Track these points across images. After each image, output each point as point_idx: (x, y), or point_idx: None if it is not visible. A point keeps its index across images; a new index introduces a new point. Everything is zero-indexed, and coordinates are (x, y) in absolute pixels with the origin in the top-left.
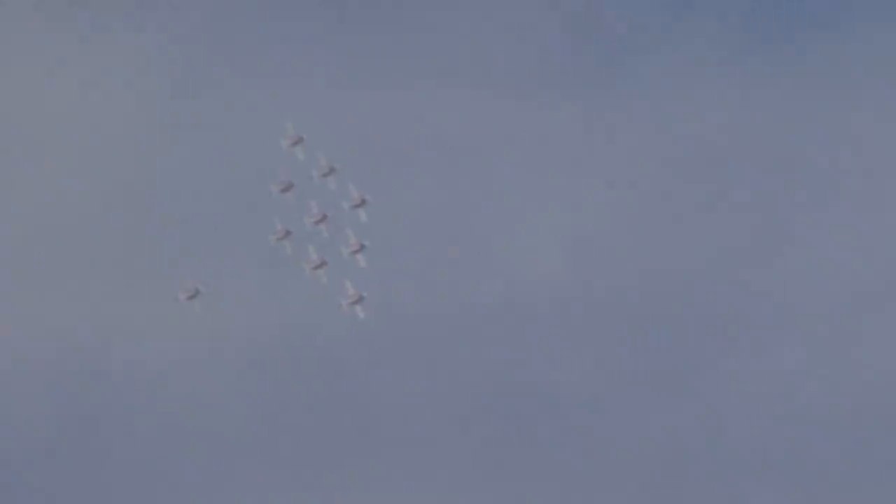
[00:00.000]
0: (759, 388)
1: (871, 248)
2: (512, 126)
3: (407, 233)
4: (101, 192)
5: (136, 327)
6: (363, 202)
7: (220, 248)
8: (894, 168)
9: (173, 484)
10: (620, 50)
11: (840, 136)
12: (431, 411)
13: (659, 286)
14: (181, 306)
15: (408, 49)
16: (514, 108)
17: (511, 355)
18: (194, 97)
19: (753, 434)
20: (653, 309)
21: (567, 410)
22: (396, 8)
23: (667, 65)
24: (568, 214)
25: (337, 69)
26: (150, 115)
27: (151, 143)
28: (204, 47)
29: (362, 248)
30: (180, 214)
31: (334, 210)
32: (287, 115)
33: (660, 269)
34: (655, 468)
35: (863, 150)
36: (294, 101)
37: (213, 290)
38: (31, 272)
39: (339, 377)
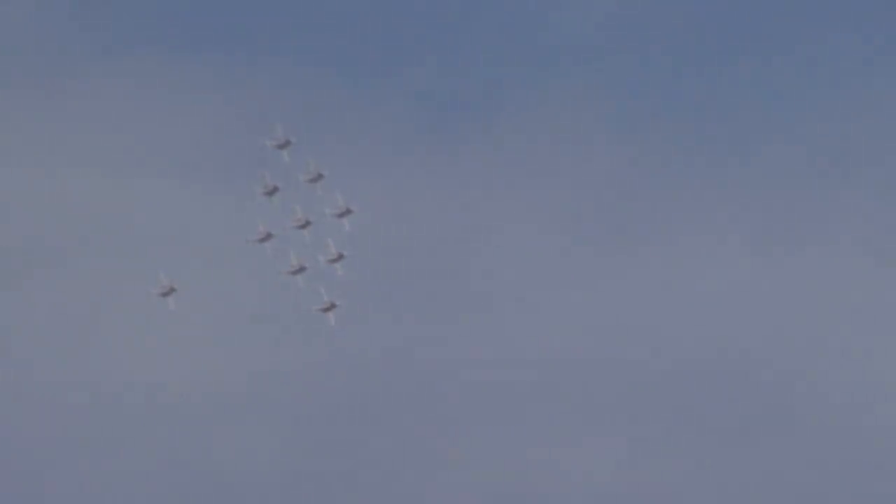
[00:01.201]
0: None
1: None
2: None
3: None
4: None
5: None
6: (348, 211)
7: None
8: (544, 263)
9: None
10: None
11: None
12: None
13: (306, 380)
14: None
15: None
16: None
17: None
18: None
19: None
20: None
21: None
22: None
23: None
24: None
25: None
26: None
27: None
28: None
29: (341, 257)
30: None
31: (318, 216)
32: None
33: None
34: None
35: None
36: None
37: (188, 287)
38: None
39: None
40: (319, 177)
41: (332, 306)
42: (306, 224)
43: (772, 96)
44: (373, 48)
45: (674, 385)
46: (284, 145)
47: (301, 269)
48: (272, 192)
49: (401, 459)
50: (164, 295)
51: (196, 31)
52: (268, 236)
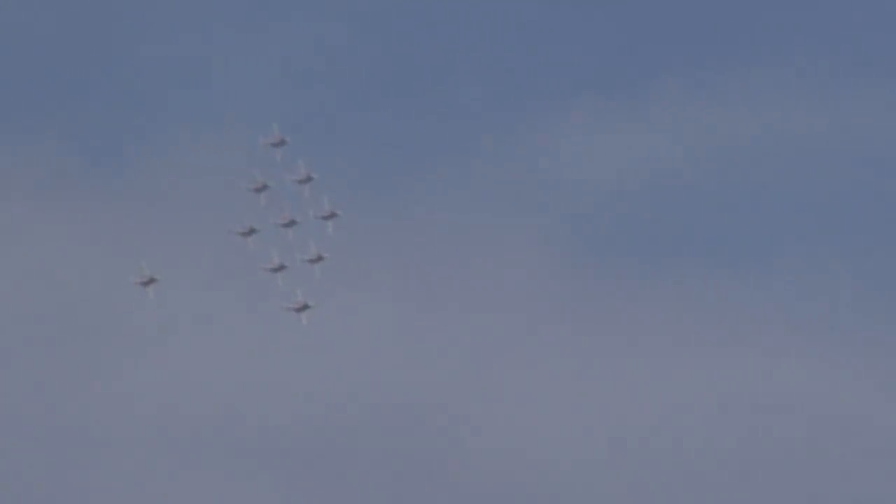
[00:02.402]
0: None
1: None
2: None
3: None
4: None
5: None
6: (333, 215)
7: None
8: None
9: None
10: None
11: None
12: None
13: None
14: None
15: None
16: None
17: None
18: None
19: None
20: None
21: None
22: None
23: None
24: None
25: None
26: None
27: None
28: None
29: (320, 258)
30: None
31: (303, 217)
32: None
33: None
34: None
35: None
36: None
37: (168, 277)
38: None
39: None
40: (308, 178)
41: (305, 307)
42: (291, 223)
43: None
44: None
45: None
46: (279, 144)
47: (281, 267)
48: (261, 189)
49: None
50: (145, 284)
51: None
52: (251, 231)
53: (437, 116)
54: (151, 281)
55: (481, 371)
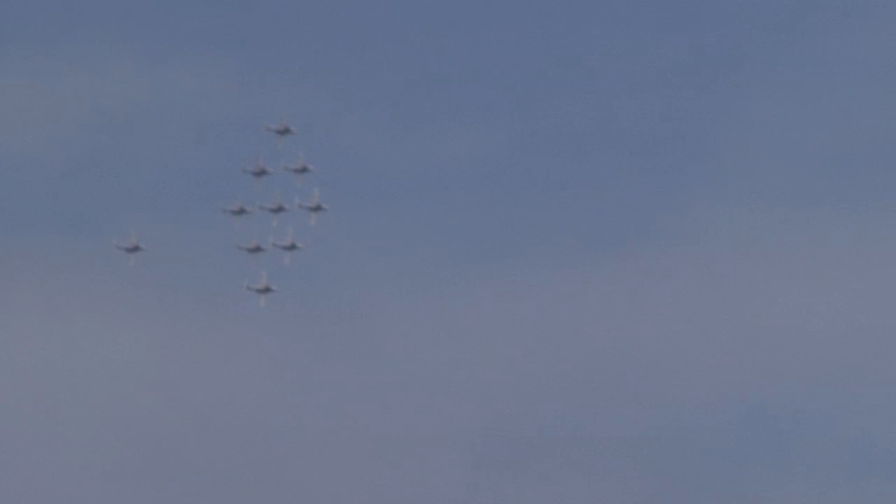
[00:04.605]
0: None
1: None
2: None
3: None
4: None
5: None
6: (319, 208)
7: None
8: None
9: None
10: None
11: None
12: None
13: None
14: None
15: None
16: None
17: None
18: None
19: None
20: None
21: None
22: None
23: None
24: None
25: None
26: None
27: None
28: None
29: (293, 246)
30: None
31: (290, 204)
32: None
33: None
34: None
35: None
36: None
37: (153, 247)
38: None
39: None
40: (304, 169)
41: (267, 289)
42: (279, 209)
43: None
44: None
45: None
46: (284, 132)
47: (257, 249)
48: (260, 173)
49: None
50: (129, 251)
51: None
52: (241, 211)
53: None
54: (136, 249)
55: None
